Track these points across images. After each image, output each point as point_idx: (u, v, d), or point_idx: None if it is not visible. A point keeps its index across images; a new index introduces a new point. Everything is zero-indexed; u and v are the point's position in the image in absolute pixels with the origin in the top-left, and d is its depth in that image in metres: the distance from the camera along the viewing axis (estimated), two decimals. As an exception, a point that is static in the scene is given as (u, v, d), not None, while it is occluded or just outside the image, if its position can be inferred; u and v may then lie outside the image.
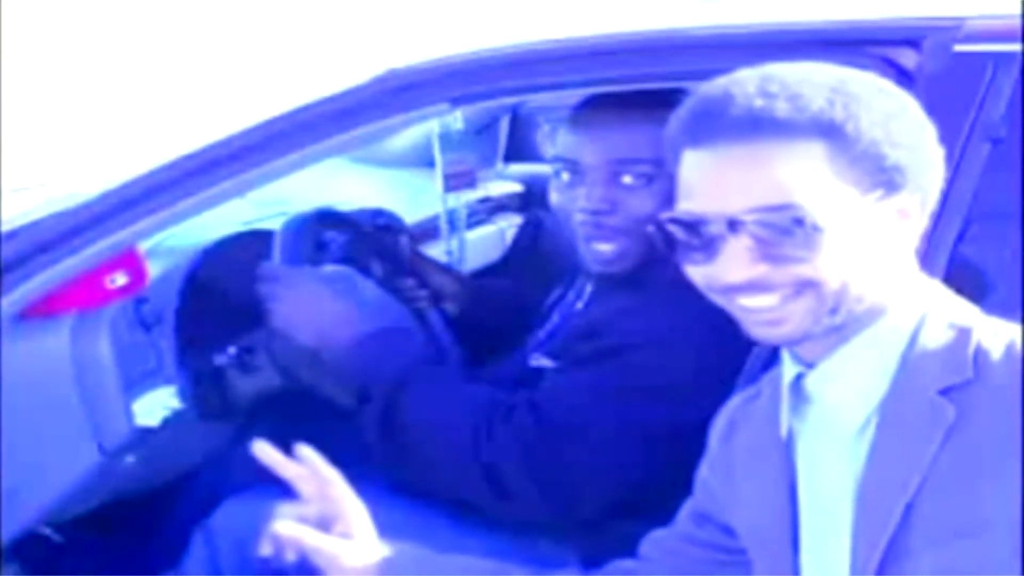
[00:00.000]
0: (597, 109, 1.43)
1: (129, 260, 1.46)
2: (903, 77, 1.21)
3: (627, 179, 1.39)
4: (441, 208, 2.68)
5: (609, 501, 1.35)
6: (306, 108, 1.29)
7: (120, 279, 1.46)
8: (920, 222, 0.90)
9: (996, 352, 0.85)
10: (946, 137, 0.92)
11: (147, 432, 1.55)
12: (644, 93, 1.34)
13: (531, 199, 3.06)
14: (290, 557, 1.04)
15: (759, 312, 0.88)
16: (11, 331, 1.34)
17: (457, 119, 2.59)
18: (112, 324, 1.49)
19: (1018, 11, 1.23)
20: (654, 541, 1.16)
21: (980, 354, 0.86)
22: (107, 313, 1.48)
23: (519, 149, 3.43)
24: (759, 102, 0.84)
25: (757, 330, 0.90)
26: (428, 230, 2.64)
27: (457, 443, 1.35)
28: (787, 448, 0.98)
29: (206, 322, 1.63)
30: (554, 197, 1.47)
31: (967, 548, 0.82)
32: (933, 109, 0.91)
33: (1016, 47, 1.22)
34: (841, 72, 0.89)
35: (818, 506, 0.95)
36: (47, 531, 1.68)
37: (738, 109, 0.85)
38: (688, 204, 0.89)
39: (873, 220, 0.86)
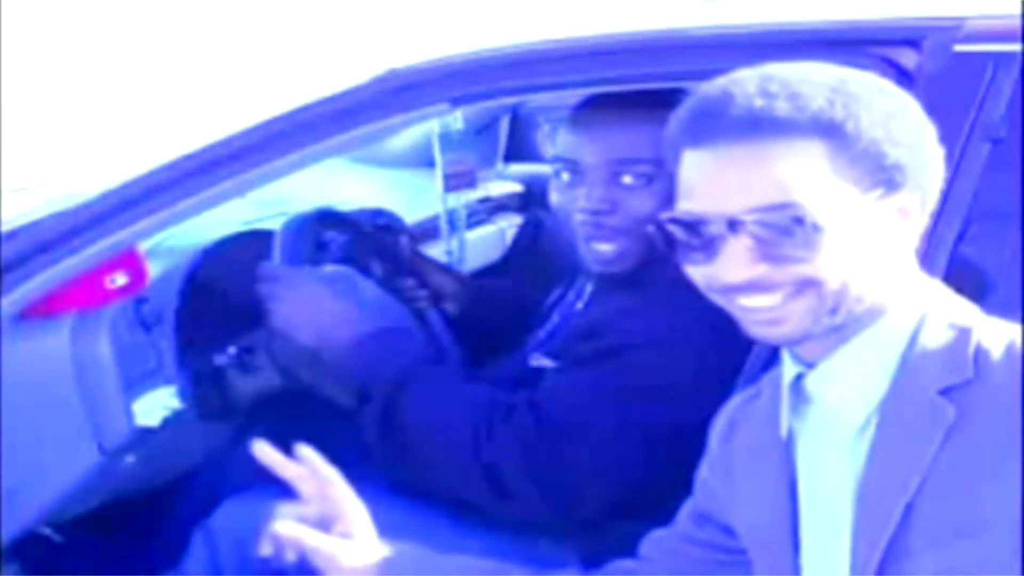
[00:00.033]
0: (597, 109, 1.43)
1: (129, 260, 1.46)
2: (903, 77, 1.21)
3: (627, 179, 1.39)
4: (441, 208, 2.68)
5: (609, 501, 1.35)
6: (306, 108, 1.29)
7: (120, 279, 1.46)
8: (920, 221, 0.90)
9: (996, 352, 0.85)
10: (946, 137, 0.92)
11: (147, 432, 1.55)
12: (644, 93, 1.34)
13: (531, 199, 3.06)
14: (290, 557, 1.04)
15: (759, 312, 0.88)
16: (11, 331, 1.34)
17: (457, 119, 2.59)
18: (112, 324, 1.48)
19: (1018, 11, 1.23)
20: (654, 541, 1.16)
21: (980, 354, 0.86)
22: (107, 313, 1.48)
23: (519, 149, 3.43)
24: (759, 102, 0.85)
25: (757, 330, 0.90)
26: (428, 230, 2.64)
27: (457, 443, 1.35)
28: (787, 448, 0.98)
29: (206, 322, 1.63)
30: (554, 197, 1.47)
31: (967, 548, 0.82)
32: (933, 109, 0.91)
33: (1016, 47, 1.22)
34: (841, 72, 0.89)
35: (818, 506, 0.95)
36: (47, 531, 1.68)
37: (738, 109, 0.85)
38: (688, 204, 0.89)
39: (873, 219, 0.86)
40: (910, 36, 1.25)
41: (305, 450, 1.08)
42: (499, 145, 3.39)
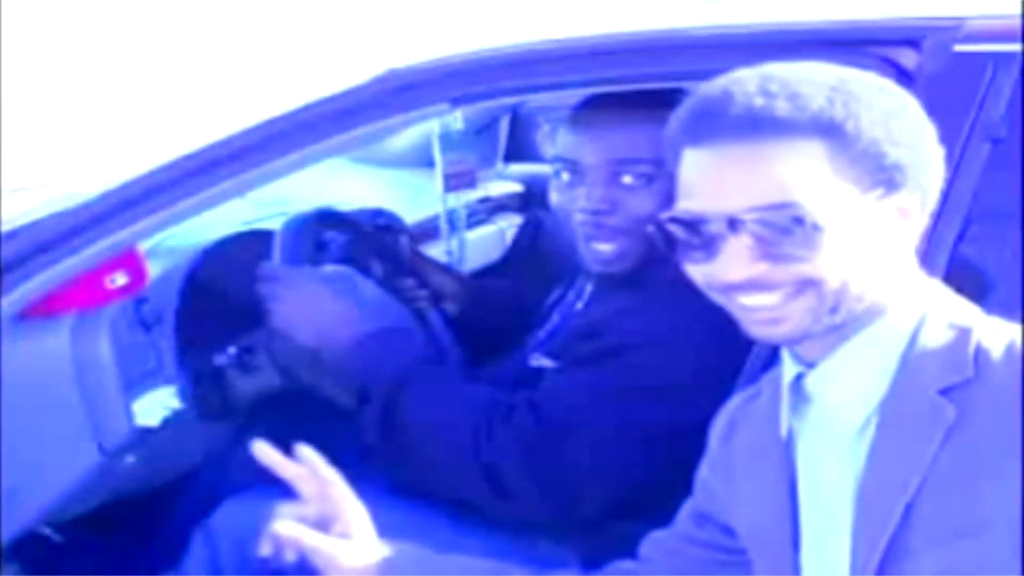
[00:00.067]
0: (597, 109, 1.43)
1: (129, 260, 1.46)
2: (903, 77, 1.21)
3: (627, 179, 1.39)
4: (441, 208, 2.68)
5: (609, 501, 1.35)
6: (306, 108, 1.29)
7: (120, 279, 1.46)
8: (920, 221, 0.90)
9: (996, 352, 0.85)
10: (946, 137, 0.92)
11: (147, 432, 1.55)
12: (644, 93, 1.34)
13: (531, 199, 3.06)
14: (289, 557, 1.04)
15: (759, 311, 0.88)
16: (11, 331, 1.34)
17: (457, 119, 2.59)
18: (112, 324, 1.48)
19: (1018, 11, 1.23)
20: (654, 542, 1.16)
21: (980, 354, 0.86)
22: (107, 313, 1.48)
23: (519, 149, 3.43)
24: (759, 101, 0.85)
25: (757, 329, 0.90)
26: (428, 230, 2.64)
27: (457, 443, 1.35)
28: (787, 448, 0.98)
29: (206, 322, 1.63)
30: (554, 197, 1.47)
31: (967, 548, 0.82)
32: (933, 109, 0.91)
33: (1016, 47, 1.22)
34: (841, 71, 0.89)
35: (818, 506, 0.95)
36: (47, 531, 1.68)
37: (738, 108, 0.85)
38: (688, 203, 0.89)
39: (873, 219, 0.86)
40: (910, 36, 1.25)
41: (305, 450, 1.08)
42: (499, 145, 3.39)
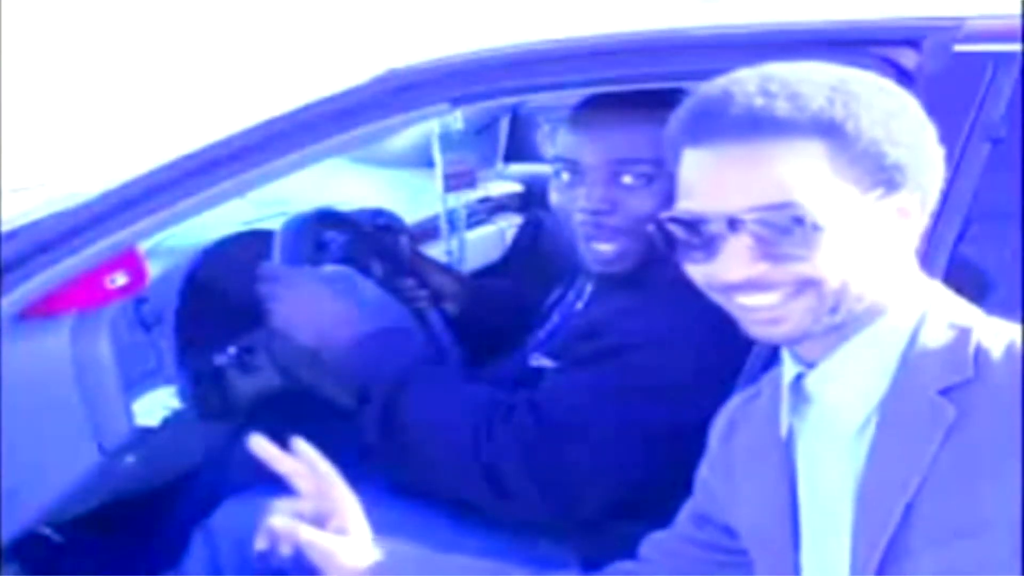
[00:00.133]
0: (597, 109, 1.43)
1: (129, 260, 1.46)
2: (903, 77, 1.21)
3: (627, 179, 1.39)
4: (441, 208, 2.68)
5: (609, 501, 1.35)
6: (306, 108, 1.29)
7: (120, 279, 1.46)
8: (920, 221, 0.90)
9: (996, 352, 0.85)
10: (946, 137, 0.92)
11: (147, 432, 1.55)
12: (644, 93, 1.34)
13: (531, 199, 3.06)
14: (285, 551, 1.04)
15: (759, 311, 0.88)
16: (11, 331, 1.34)
17: (457, 119, 2.59)
18: (112, 324, 1.48)
19: (1018, 11, 1.23)
20: (654, 542, 1.16)
21: (980, 354, 0.86)
22: (107, 313, 1.48)
23: (519, 149, 3.43)
24: (759, 101, 0.85)
25: (756, 329, 0.90)
26: (428, 230, 2.64)
27: (457, 443, 1.35)
28: (787, 448, 0.98)
29: (206, 322, 1.63)
30: (554, 197, 1.47)
31: (967, 548, 0.82)
32: (933, 109, 0.91)
33: (1016, 47, 1.22)
34: (841, 71, 0.89)
35: (818, 506, 0.95)
36: (47, 531, 1.68)
37: (738, 108, 0.85)
38: (688, 203, 0.89)
39: (873, 219, 0.86)
40: (910, 36, 1.25)
41: (302, 445, 1.08)
42: (499, 145, 3.39)
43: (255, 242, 1.69)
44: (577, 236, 1.43)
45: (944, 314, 0.90)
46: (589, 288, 1.52)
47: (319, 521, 1.07)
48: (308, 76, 1.44)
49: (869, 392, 0.90)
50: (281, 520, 1.04)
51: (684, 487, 1.13)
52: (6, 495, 1.36)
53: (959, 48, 1.23)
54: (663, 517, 1.16)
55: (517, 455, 1.32)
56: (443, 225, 2.69)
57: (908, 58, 1.24)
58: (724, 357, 1.26)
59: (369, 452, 1.40)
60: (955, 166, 1.19)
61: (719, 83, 0.89)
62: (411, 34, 1.53)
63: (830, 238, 0.84)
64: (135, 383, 1.55)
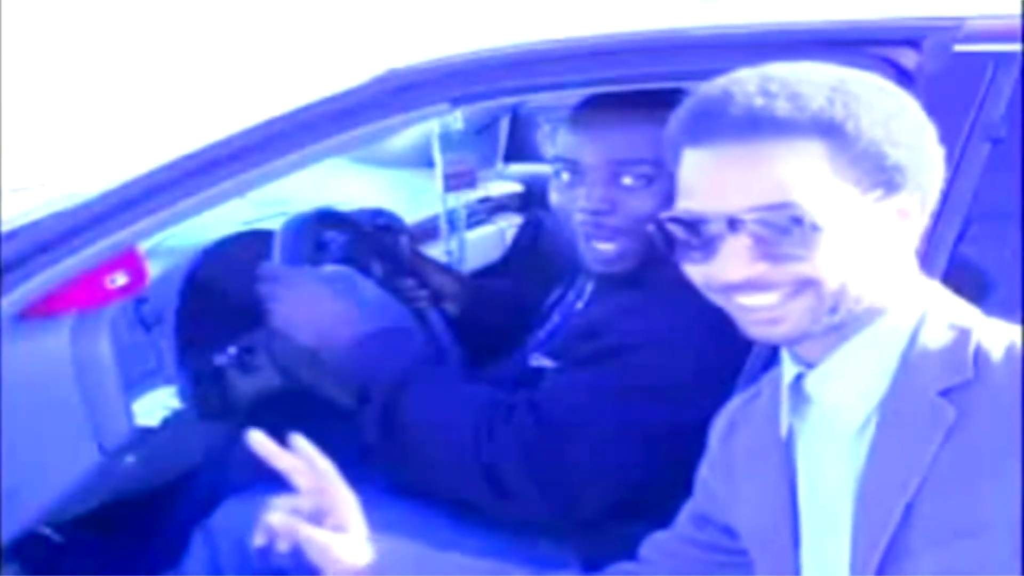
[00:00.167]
0: (597, 109, 1.43)
1: (129, 260, 1.46)
2: (903, 77, 1.21)
3: (627, 179, 1.39)
4: (441, 208, 2.68)
5: (609, 501, 1.35)
6: (306, 108, 1.29)
7: (120, 279, 1.46)
8: (920, 222, 0.90)
9: (996, 353, 0.85)
10: (946, 137, 0.92)
11: (147, 432, 1.55)
12: (644, 93, 1.34)
13: (531, 199, 3.06)
14: (283, 548, 1.04)
15: (758, 311, 0.88)
16: (11, 331, 1.34)
17: (457, 119, 2.59)
18: (112, 324, 1.48)
19: (1018, 11, 1.23)
20: (655, 543, 1.16)
21: (980, 354, 0.86)
22: (107, 313, 1.48)
23: (519, 149, 3.43)
24: (759, 101, 0.85)
25: (755, 329, 0.90)
26: (428, 230, 2.64)
27: (457, 443, 1.35)
28: (787, 448, 0.98)
29: (206, 322, 1.63)
30: (554, 197, 1.47)
31: (967, 548, 0.82)
32: (933, 109, 0.91)
33: (1016, 47, 1.22)
34: (841, 71, 0.89)
35: (818, 506, 0.95)
36: (47, 531, 1.68)
37: (738, 108, 0.85)
38: (688, 203, 0.89)
39: (873, 219, 0.86)
40: (910, 36, 1.25)
41: (300, 441, 1.08)
42: (499, 145, 3.39)
43: (255, 242, 1.69)
44: (577, 236, 1.43)
45: (944, 315, 0.90)
46: (589, 288, 1.52)
47: (317, 518, 1.07)
48: (308, 76, 1.43)
49: (869, 392, 0.90)
50: (279, 517, 1.04)
51: (684, 487, 1.13)
52: (6, 495, 1.36)
53: (959, 48, 1.23)
54: (663, 517, 1.16)
55: (517, 455, 1.32)
56: (443, 225, 2.69)
57: (908, 58, 1.24)
58: (724, 357, 1.26)
59: (369, 452, 1.40)
60: (955, 166, 1.19)
61: (719, 83, 0.89)
62: (411, 34, 1.53)
63: (829, 238, 0.84)
64: (135, 383, 1.55)
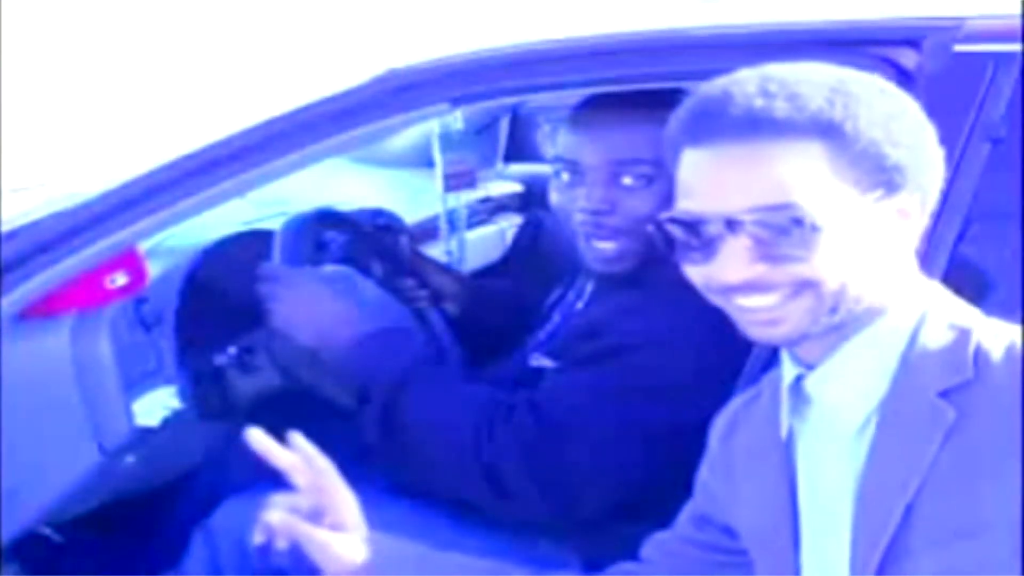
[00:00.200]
0: (597, 109, 1.43)
1: (129, 260, 1.46)
2: (903, 77, 1.21)
3: (627, 180, 1.39)
4: (441, 208, 2.68)
5: (609, 501, 1.35)
6: (306, 108, 1.29)
7: (120, 279, 1.46)
8: (920, 222, 0.90)
9: (996, 353, 0.85)
10: (946, 137, 0.92)
11: (147, 432, 1.55)
12: (644, 93, 1.34)
13: (531, 199, 3.06)
14: (281, 546, 1.04)
15: (757, 312, 0.88)
16: (11, 331, 1.34)
17: (457, 119, 2.59)
18: (112, 324, 1.48)
19: (1018, 11, 1.23)
20: (656, 543, 1.16)
21: (980, 355, 0.86)
22: (107, 313, 1.48)
23: (519, 149, 3.43)
24: (758, 102, 0.85)
25: (754, 330, 0.90)
26: (428, 230, 2.64)
27: (457, 443, 1.35)
28: (787, 448, 0.98)
29: (206, 322, 1.63)
30: (554, 197, 1.47)
31: (967, 548, 0.82)
32: (933, 109, 0.91)
33: (1016, 47, 1.22)
34: (841, 72, 0.89)
35: (818, 506, 0.95)
36: (47, 531, 1.68)
37: (737, 109, 0.85)
38: (687, 203, 0.89)
39: (872, 220, 0.86)
40: (910, 36, 1.25)
41: (298, 439, 1.08)
42: (499, 145, 3.39)
43: (255, 242, 1.69)
44: (577, 236, 1.43)
45: (944, 315, 0.90)
46: (589, 288, 1.52)
47: (316, 517, 1.07)
48: (308, 76, 1.43)
49: (869, 393, 0.90)
50: (278, 515, 1.04)
51: (684, 487, 1.13)
52: (6, 495, 1.36)
53: (959, 48, 1.23)
54: (663, 517, 1.16)
55: (517, 455, 1.32)
56: (443, 225, 2.69)
57: (908, 58, 1.24)
58: (724, 358, 1.26)
59: (369, 452, 1.40)
60: (955, 166, 1.19)
61: (719, 83, 0.89)
62: (411, 34, 1.53)
63: (829, 239, 0.84)
64: (135, 383, 1.55)
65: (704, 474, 1.11)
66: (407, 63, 1.30)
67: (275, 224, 1.67)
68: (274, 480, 1.08)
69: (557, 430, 1.32)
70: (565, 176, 1.44)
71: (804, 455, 0.97)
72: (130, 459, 1.57)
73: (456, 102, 1.33)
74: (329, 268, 1.60)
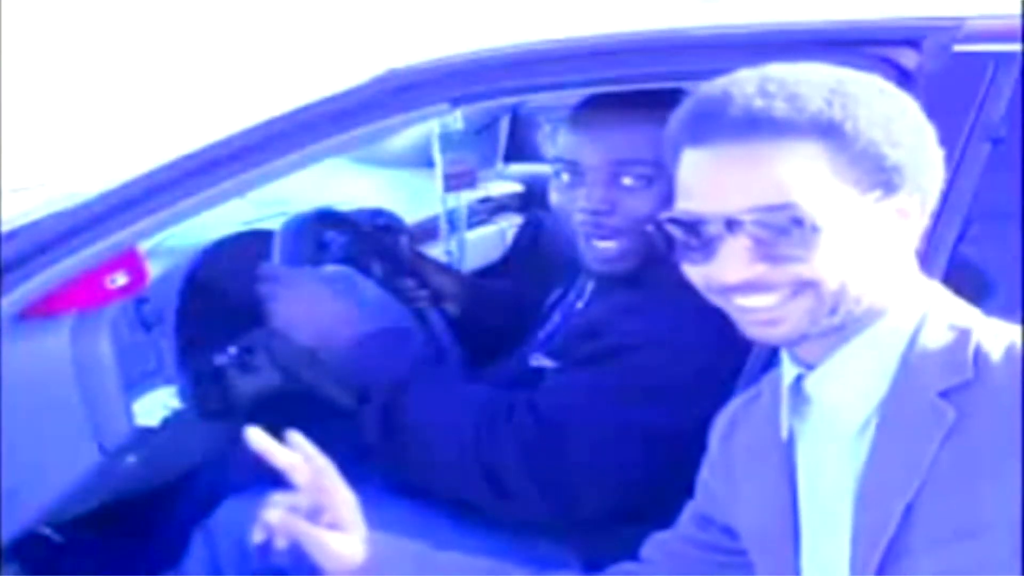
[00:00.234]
0: (597, 109, 1.43)
1: (129, 260, 1.46)
2: (903, 77, 1.21)
3: (627, 180, 1.39)
4: (441, 208, 2.68)
5: (609, 501, 1.35)
6: (306, 108, 1.29)
7: (120, 279, 1.46)
8: (920, 222, 0.90)
9: (996, 353, 0.85)
10: (946, 137, 0.92)
11: (147, 432, 1.55)
12: (644, 93, 1.34)
13: (531, 199, 3.06)
14: (281, 545, 1.04)
15: (757, 312, 0.88)
16: (11, 331, 1.34)
17: (457, 119, 2.59)
18: (112, 324, 1.48)
19: (1018, 11, 1.23)
20: (657, 543, 1.16)
21: (980, 355, 0.86)
22: (107, 313, 1.48)
23: (519, 149, 3.43)
24: (758, 102, 0.85)
25: (754, 330, 0.90)
26: (428, 230, 2.64)
27: (457, 443, 1.35)
28: (787, 449, 0.98)
29: (206, 322, 1.63)
30: (554, 197, 1.47)
31: (967, 549, 0.82)
32: (933, 109, 0.91)
33: (1016, 47, 1.22)
34: (840, 72, 0.89)
35: (818, 506, 0.95)
36: (47, 531, 1.68)
37: (737, 109, 0.85)
38: (687, 204, 0.89)
39: (872, 220, 0.86)
40: (910, 36, 1.25)
41: (296, 437, 1.08)
42: (499, 145, 3.39)
43: (255, 242, 1.69)
44: (577, 236, 1.43)
45: (944, 315, 0.90)
46: (589, 288, 1.52)
47: (316, 516, 1.07)
48: (308, 76, 1.43)
49: (869, 393, 0.90)
50: (277, 514, 1.04)
51: (684, 487, 1.13)
52: (6, 495, 1.36)
53: (959, 48, 1.23)
54: (663, 517, 1.16)
55: (517, 455, 1.32)
56: (443, 225, 2.69)
57: (908, 58, 1.24)
58: (724, 358, 1.26)
59: (369, 452, 1.40)
60: (955, 166, 1.19)
61: (719, 83, 0.89)
62: (411, 34, 1.53)
63: (829, 239, 0.84)
64: (135, 383, 1.55)
65: (704, 474, 1.11)
66: (407, 63, 1.30)
67: (275, 224, 1.67)
68: (274, 480, 1.08)
69: (557, 430, 1.32)
70: (565, 176, 1.44)
71: (804, 455, 0.97)
72: (130, 459, 1.57)
73: (456, 102, 1.33)
74: (329, 268, 1.60)
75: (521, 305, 1.77)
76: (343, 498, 1.08)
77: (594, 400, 1.32)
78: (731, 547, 1.08)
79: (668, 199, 0.93)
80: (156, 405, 1.59)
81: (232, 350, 1.65)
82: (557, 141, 1.48)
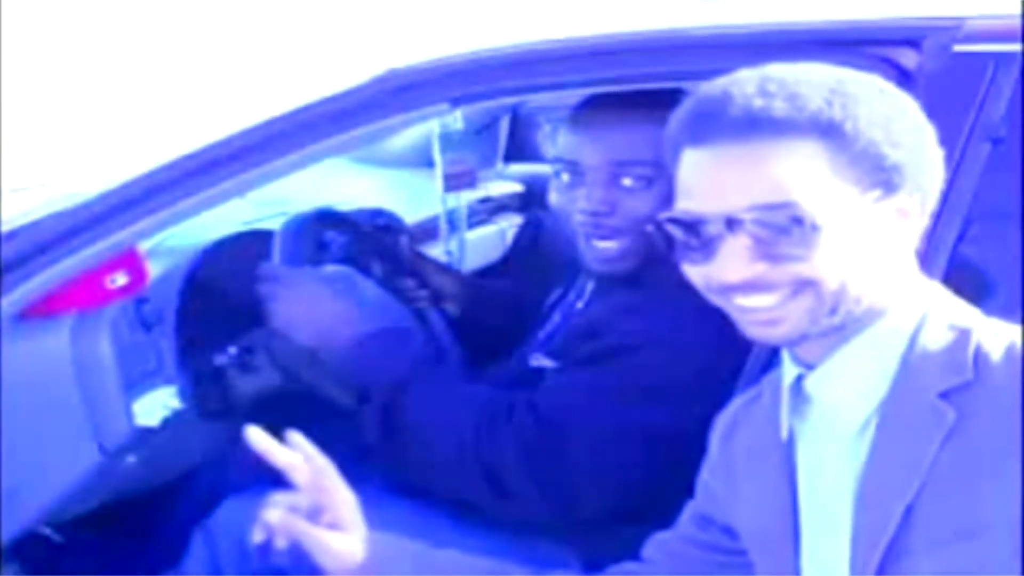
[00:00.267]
0: (597, 109, 1.43)
1: (129, 260, 1.46)
2: (903, 77, 1.21)
3: (627, 180, 1.39)
4: (441, 208, 2.68)
5: (609, 501, 1.35)
6: (306, 108, 1.29)
7: (120, 279, 1.46)
8: (920, 222, 0.90)
9: (996, 353, 0.85)
10: (946, 137, 0.92)
11: (147, 432, 1.55)
12: (644, 93, 1.34)
13: (531, 199, 3.06)
14: (281, 545, 1.04)
15: (757, 312, 0.88)
16: (11, 331, 1.34)
17: (457, 119, 2.59)
18: (112, 324, 1.48)
19: (1018, 11, 1.23)
20: (657, 543, 1.16)
21: (980, 355, 0.86)
22: (107, 313, 1.48)
23: (519, 149, 3.43)
24: (758, 102, 0.85)
25: (754, 330, 0.90)
26: (428, 230, 2.64)
27: (457, 443, 1.35)
28: (788, 449, 0.98)
29: (206, 322, 1.63)
30: (554, 197, 1.47)
31: (967, 549, 0.82)
32: (933, 109, 0.91)
33: (1016, 47, 1.22)
34: (840, 72, 0.89)
35: (818, 507, 0.95)
36: (47, 531, 1.68)
37: (737, 109, 0.85)
38: (687, 203, 0.89)
39: (872, 220, 0.86)
40: (910, 36, 1.25)
41: (296, 437, 1.08)
42: (499, 145, 3.39)
43: (255, 242, 1.69)
44: (577, 236, 1.43)
45: (944, 315, 0.90)
46: (589, 288, 1.52)
47: (316, 516, 1.07)
48: (308, 76, 1.43)
49: (869, 394, 0.90)
50: (277, 514, 1.04)
51: (684, 488, 1.13)
52: (6, 495, 1.36)
53: (959, 48, 1.23)
54: (663, 517, 1.16)
55: (517, 455, 1.32)
56: (443, 225, 2.69)
57: (908, 58, 1.24)
58: (724, 358, 1.26)
59: (369, 452, 1.40)
60: (955, 166, 1.19)
61: (719, 83, 0.89)
62: (411, 34, 1.52)
63: (829, 238, 0.84)
64: (135, 383, 1.55)
65: (705, 474, 1.11)
66: (407, 63, 1.30)
67: (275, 224, 1.67)
68: (274, 480, 1.08)
69: (557, 430, 1.32)
70: (565, 176, 1.44)
71: (804, 455, 0.97)
72: (130, 459, 1.57)
73: (456, 102, 1.33)
74: (329, 268, 1.60)
75: (521, 305, 1.77)
76: (343, 498, 1.08)
77: (594, 400, 1.32)
78: (731, 547, 1.08)
79: (668, 199, 0.93)
80: (156, 405, 1.59)
81: (232, 350, 1.65)
82: (557, 141, 1.48)
